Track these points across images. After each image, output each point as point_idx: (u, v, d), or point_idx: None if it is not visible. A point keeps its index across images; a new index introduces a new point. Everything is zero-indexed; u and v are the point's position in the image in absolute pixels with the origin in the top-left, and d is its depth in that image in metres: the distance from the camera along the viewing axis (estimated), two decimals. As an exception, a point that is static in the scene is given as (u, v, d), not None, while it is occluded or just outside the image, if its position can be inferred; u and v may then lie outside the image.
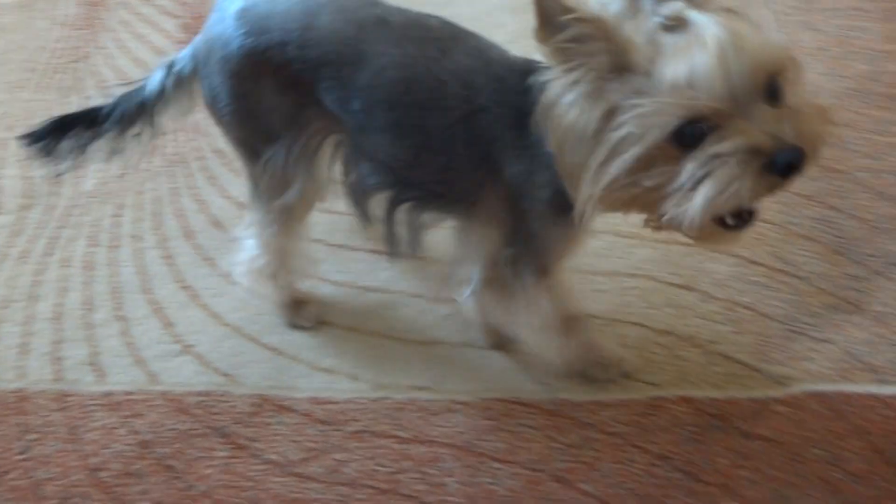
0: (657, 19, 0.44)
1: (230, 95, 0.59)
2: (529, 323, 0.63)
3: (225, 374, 0.72)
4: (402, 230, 0.62)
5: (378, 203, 0.62)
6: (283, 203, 0.63)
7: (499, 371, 0.72)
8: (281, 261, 0.69)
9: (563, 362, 0.67)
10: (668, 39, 0.43)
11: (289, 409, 0.69)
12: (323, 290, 0.78)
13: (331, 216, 0.79)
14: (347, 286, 0.78)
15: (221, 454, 0.66)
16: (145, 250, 0.82)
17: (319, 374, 0.71)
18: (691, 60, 0.41)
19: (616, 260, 0.79)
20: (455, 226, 0.63)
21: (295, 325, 0.75)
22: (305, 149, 0.62)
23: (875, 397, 0.68)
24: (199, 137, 0.93)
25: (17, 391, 0.71)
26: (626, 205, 0.48)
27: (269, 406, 0.69)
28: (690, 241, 0.50)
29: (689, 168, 0.43)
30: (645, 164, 0.44)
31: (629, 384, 0.70)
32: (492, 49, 0.57)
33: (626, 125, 0.44)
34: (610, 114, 0.44)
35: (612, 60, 0.44)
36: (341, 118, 0.59)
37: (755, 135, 0.42)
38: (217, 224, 0.83)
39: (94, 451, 0.67)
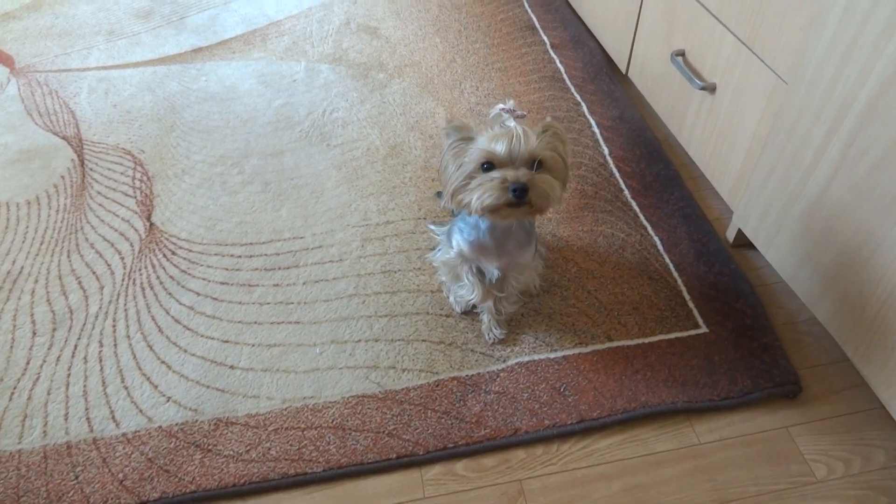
0: (500, 121, 0.95)
1: None
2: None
3: (193, 410, 1.10)
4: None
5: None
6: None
7: (350, 381, 1.14)
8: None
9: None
10: (495, 128, 0.93)
11: (234, 423, 1.08)
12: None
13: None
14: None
15: (198, 457, 1.04)
16: (134, 344, 1.20)
17: (249, 400, 1.11)
18: (499, 138, 0.91)
19: (409, 305, 1.25)
20: None
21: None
22: None
23: (549, 359, 1.16)
24: (158, 270, 1.37)
25: (66, 443, 1.06)
26: (458, 201, 0.96)
27: (221, 424, 1.08)
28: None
29: (478, 180, 0.93)
30: (467, 177, 0.93)
31: (422, 376, 1.14)
32: None
33: (467, 161, 0.93)
34: (460, 159, 0.94)
35: (468, 138, 0.95)
36: None
37: (509, 174, 0.90)
38: (177, 321, 1.25)
39: (119, 469, 1.03)
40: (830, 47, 0.97)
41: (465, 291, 1.14)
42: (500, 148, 0.90)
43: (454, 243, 1.09)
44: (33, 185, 1.55)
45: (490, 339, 1.17)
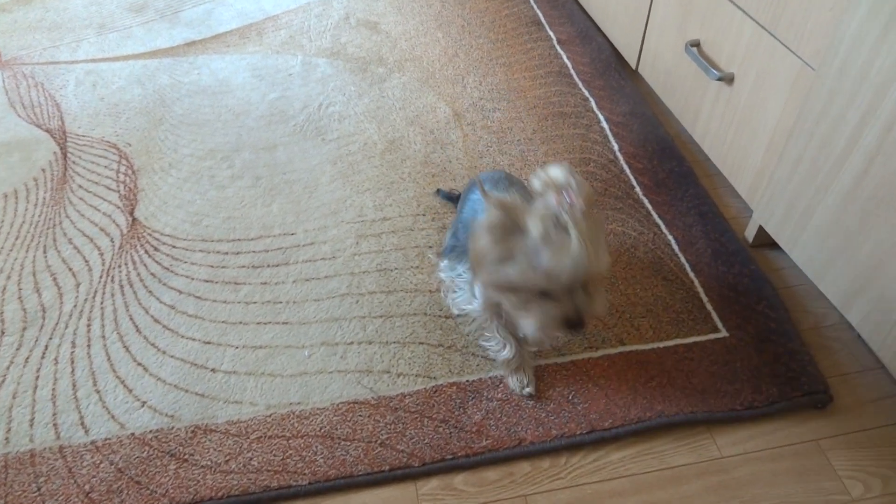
0: (553, 220, 0.76)
1: None
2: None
3: (170, 416, 1.01)
4: None
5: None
6: None
7: (341, 386, 1.04)
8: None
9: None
10: (553, 234, 0.75)
11: (213, 431, 1.00)
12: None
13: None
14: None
15: (172, 467, 0.95)
16: (109, 345, 1.12)
17: (231, 406, 1.02)
18: (560, 261, 0.75)
19: (406, 305, 1.17)
20: None
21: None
22: None
23: (556, 364, 1.07)
24: (138, 267, 1.29)
25: (29, 451, 0.98)
26: (489, 293, 0.86)
27: (199, 431, 1.00)
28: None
29: (532, 308, 0.81)
30: (512, 289, 0.81)
31: (419, 381, 1.05)
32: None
33: (515, 271, 0.79)
34: (507, 254, 0.79)
35: (516, 224, 0.78)
36: None
37: (567, 307, 0.79)
38: (156, 321, 1.16)
39: (86, 481, 0.94)
40: (866, 23, 0.89)
41: (495, 344, 1.03)
42: (562, 278, 0.77)
43: (477, 292, 0.98)
44: (11, 179, 1.47)
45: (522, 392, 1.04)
